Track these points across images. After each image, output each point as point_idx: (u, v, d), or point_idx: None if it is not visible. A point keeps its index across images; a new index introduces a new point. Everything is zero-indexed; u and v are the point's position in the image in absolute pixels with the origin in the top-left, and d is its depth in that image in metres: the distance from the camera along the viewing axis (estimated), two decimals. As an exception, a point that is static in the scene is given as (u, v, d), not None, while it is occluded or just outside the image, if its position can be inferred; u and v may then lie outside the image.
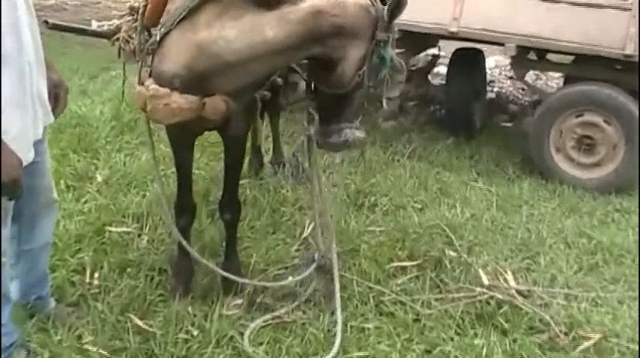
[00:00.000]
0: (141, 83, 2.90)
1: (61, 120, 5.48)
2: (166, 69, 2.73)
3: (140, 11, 3.13)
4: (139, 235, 3.84)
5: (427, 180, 4.78)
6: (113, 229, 3.85)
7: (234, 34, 2.60)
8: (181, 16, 2.70)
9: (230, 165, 3.23)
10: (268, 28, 2.58)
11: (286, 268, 3.62)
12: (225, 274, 3.14)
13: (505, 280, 3.54)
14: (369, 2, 2.67)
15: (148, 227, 3.90)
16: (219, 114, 2.75)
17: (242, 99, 2.92)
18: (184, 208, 3.24)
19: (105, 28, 3.39)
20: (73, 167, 4.59)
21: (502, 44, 5.01)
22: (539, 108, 5.18)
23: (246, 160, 4.16)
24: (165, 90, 2.71)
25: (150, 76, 2.85)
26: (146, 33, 3.15)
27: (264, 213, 4.11)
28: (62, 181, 4.33)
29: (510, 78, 7.56)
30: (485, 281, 3.43)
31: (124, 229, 3.87)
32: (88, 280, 3.33)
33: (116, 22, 3.38)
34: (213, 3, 2.67)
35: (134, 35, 3.28)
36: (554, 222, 4.37)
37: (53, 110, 2.63)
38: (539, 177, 5.14)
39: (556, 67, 5.64)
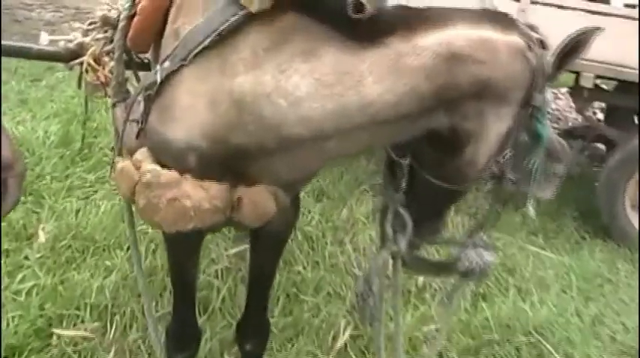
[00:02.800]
0: (124, 152, 1.69)
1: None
2: (174, 135, 1.53)
3: (120, 25, 1.90)
4: (101, 343, 2.59)
5: (479, 247, 3.62)
6: (64, 332, 2.61)
7: (307, 85, 1.41)
8: (204, 44, 1.50)
9: (261, 273, 2.06)
10: (372, 79, 1.41)
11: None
12: None
13: None
14: (525, 44, 1.49)
15: (114, 328, 2.65)
16: (262, 217, 1.56)
17: (299, 186, 1.74)
18: (185, 338, 2.04)
19: (61, 45, 2.13)
20: (6, 219, 3.28)
21: (576, 72, 3.91)
22: (615, 153, 4.09)
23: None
24: (171, 175, 1.52)
25: (140, 138, 1.64)
26: (126, 58, 1.96)
27: (278, 303, 2.92)
28: (-11, 244, 3.03)
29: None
30: None
31: (80, 333, 2.62)
32: None
33: (78, 37, 2.11)
34: (263, 24, 1.47)
35: (107, 61, 2.05)
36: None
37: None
38: (607, 236, 4.09)
39: (619, 97, 4.54)
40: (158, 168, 1.54)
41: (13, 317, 2.64)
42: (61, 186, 3.75)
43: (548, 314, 3.12)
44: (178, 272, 1.98)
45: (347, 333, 2.78)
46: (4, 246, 3.15)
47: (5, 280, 2.88)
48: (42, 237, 3.26)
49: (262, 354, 2.22)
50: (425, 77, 1.42)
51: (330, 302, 3.00)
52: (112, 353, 2.56)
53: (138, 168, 1.59)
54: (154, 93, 1.59)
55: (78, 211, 3.53)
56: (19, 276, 2.92)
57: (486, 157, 1.58)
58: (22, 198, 3.51)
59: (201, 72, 1.52)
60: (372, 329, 2.29)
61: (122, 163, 1.61)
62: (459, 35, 1.43)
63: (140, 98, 1.66)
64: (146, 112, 1.63)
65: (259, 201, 1.55)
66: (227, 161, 1.54)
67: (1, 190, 1.48)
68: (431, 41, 1.42)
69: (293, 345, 2.70)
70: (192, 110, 1.52)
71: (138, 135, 1.68)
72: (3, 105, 4.81)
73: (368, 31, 1.43)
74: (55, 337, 2.61)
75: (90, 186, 3.85)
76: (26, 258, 3.11)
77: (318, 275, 3.13)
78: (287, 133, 1.44)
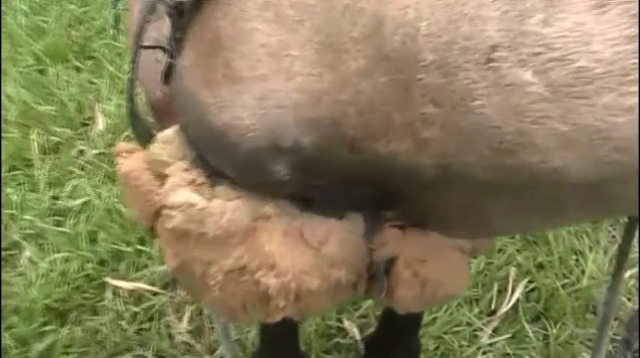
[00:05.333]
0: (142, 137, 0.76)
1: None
2: (237, 118, 0.56)
3: None
4: (171, 301, 1.86)
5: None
6: (121, 284, 1.88)
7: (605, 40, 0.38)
8: None
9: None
10: None
11: None
12: None
13: None
14: None
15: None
16: (437, 300, 0.62)
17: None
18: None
19: None
20: (57, 99, 2.51)
21: None
22: None
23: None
24: (233, 218, 0.57)
25: (170, 85, 0.70)
26: None
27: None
28: (33, 135, 2.30)
29: None
30: None
31: (143, 286, 1.89)
32: None
33: None
34: None
35: None
36: None
37: None
38: None
39: None
40: (198, 197, 0.61)
41: (55, 260, 1.91)
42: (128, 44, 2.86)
43: None
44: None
45: (518, 291, 1.89)
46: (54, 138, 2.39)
47: (48, 193, 2.13)
48: (101, 123, 2.46)
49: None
50: None
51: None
52: (185, 319, 1.81)
53: (160, 177, 0.66)
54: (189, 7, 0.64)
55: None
56: (69, 187, 2.16)
57: None
58: (79, 65, 2.70)
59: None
60: None
61: (127, 159, 0.69)
62: None
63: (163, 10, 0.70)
64: (174, 42, 0.68)
65: (439, 273, 0.61)
66: (364, 184, 0.59)
67: None
68: None
69: (446, 308, 1.85)
70: (280, 60, 0.56)
71: (166, 79, 0.74)
72: None
73: None
74: (108, 289, 1.86)
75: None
76: (81, 153, 2.34)
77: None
78: (519, 163, 0.46)
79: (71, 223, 2.06)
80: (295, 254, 0.65)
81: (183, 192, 0.65)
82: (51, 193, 2.17)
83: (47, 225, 2.03)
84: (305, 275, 0.65)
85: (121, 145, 0.77)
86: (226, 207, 0.65)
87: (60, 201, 2.15)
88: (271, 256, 0.65)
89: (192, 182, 0.67)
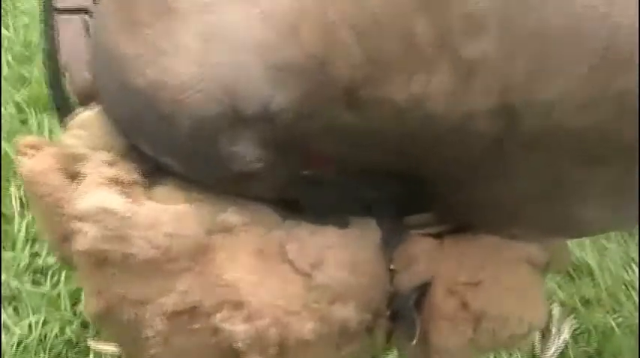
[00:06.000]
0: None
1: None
2: (178, 72, 0.30)
3: None
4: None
5: None
6: (103, 348, 1.67)
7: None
8: None
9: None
10: None
11: None
12: None
13: None
14: None
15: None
16: (511, 339, 0.34)
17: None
18: None
19: None
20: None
21: None
22: None
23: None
24: (181, 236, 0.30)
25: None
26: None
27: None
28: (12, 188, 2.14)
29: None
30: None
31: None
32: None
33: None
34: None
35: None
36: None
37: None
38: None
39: None
40: (120, 200, 0.36)
41: (36, 323, 1.70)
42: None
43: None
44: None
45: (564, 332, 1.65)
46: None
47: (27, 250, 1.92)
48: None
49: None
50: None
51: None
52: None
53: (74, 178, 0.42)
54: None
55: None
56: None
57: None
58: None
59: None
60: None
61: (32, 159, 0.45)
62: None
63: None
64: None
65: (501, 301, 0.35)
66: (375, 166, 0.33)
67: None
68: None
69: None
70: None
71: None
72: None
73: None
74: (92, 355, 1.64)
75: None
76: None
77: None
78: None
79: (51, 282, 1.84)
80: (274, 283, 0.41)
81: (96, 194, 0.42)
82: (30, 250, 1.96)
83: (23, 285, 1.80)
84: (291, 315, 0.41)
85: (25, 139, 0.54)
86: (164, 215, 0.41)
87: (39, 259, 1.94)
88: (235, 288, 0.41)
89: (115, 180, 0.44)
